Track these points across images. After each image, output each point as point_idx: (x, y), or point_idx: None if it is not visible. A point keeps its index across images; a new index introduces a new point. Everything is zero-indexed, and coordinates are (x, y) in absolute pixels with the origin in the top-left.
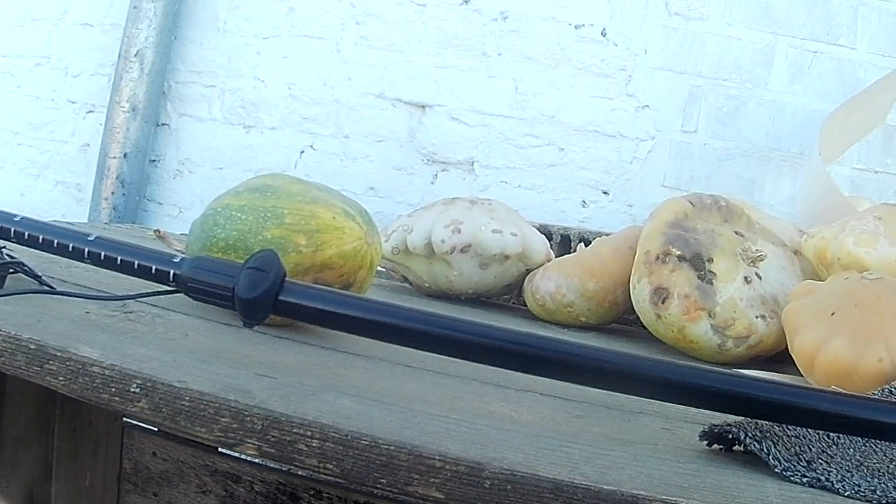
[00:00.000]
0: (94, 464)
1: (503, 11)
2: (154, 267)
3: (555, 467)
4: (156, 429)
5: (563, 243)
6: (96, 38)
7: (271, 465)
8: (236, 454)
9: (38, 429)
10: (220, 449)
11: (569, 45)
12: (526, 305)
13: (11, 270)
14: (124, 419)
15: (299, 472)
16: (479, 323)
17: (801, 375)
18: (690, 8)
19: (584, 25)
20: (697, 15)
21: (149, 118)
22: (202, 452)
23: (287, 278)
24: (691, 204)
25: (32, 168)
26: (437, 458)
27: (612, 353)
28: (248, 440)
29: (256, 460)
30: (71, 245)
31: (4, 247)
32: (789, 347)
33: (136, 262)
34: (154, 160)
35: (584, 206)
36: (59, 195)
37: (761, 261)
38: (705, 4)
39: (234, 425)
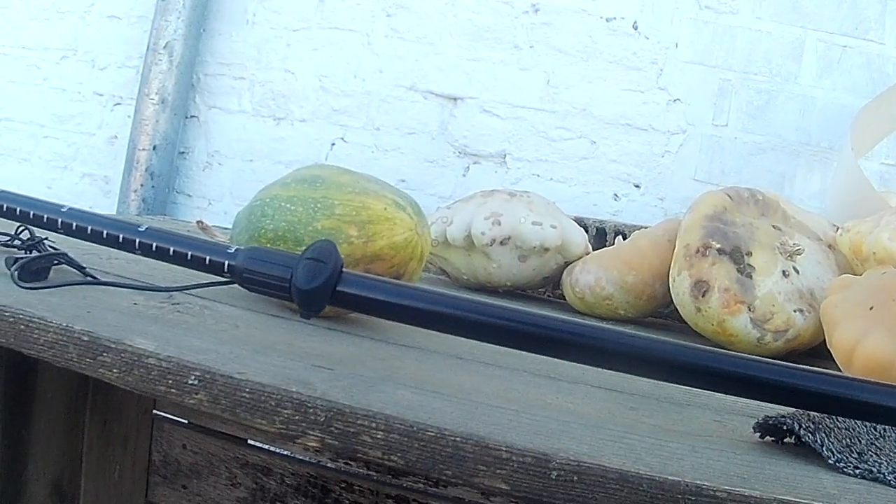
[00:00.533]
0: (124, 456)
1: (534, 4)
2: (208, 258)
3: (619, 458)
4: (186, 421)
5: (599, 236)
6: (123, 31)
7: (302, 458)
8: (266, 446)
9: (69, 422)
10: (249, 441)
11: (600, 38)
12: (563, 298)
13: (55, 262)
14: (154, 411)
15: (329, 465)
16: (539, 314)
17: (839, 370)
18: (721, 2)
19: (615, 18)
20: (728, 9)
21: (178, 110)
22: (232, 445)
23: (344, 269)
24: (729, 197)
25: (59, 161)
26: (504, 448)
27: (667, 343)
28: (311, 432)
29: (286, 452)
30: (121, 236)
31: (46, 238)
32: (827, 341)
33: (190, 253)
34: (183, 152)
35: (615, 200)
36: (87, 187)
37: (799, 255)
38: None
39: (297, 417)
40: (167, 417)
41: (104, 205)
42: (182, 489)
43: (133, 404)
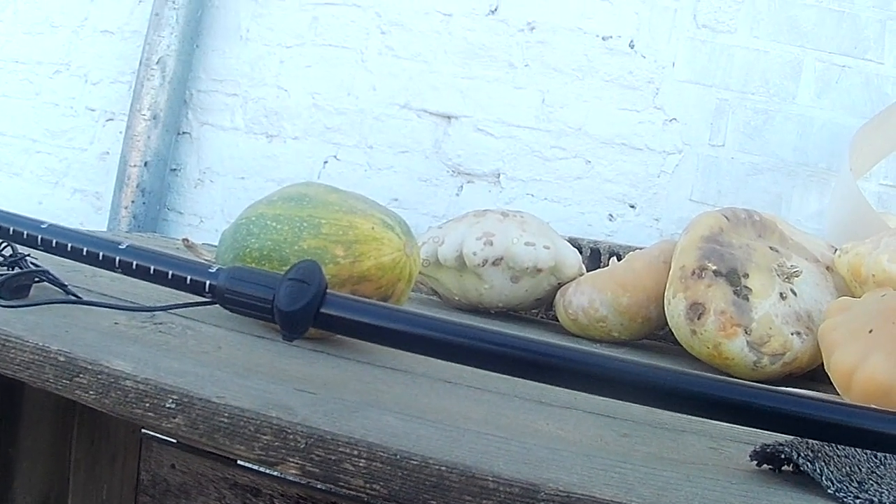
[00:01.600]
0: (112, 476)
1: (530, 22)
2: (189, 277)
3: (610, 488)
4: (174, 440)
5: (594, 257)
6: (116, 46)
7: (291, 479)
8: (256, 467)
9: (55, 440)
10: (238, 462)
11: (596, 56)
12: (556, 320)
13: (36, 279)
14: (143, 431)
15: (319, 486)
16: (528, 338)
17: (838, 393)
18: (718, 21)
19: (611, 37)
20: (725, 28)
21: (170, 126)
22: (221, 465)
23: (329, 290)
24: (726, 218)
25: (50, 176)
26: (491, 478)
27: (662, 369)
28: (291, 459)
29: (276, 473)
30: (101, 254)
31: (28, 255)
32: (825, 365)
33: (170, 273)
34: (175, 169)
35: (610, 220)
36: (78, 203)
37: (797, 276)
38: (733, 17)
39: (276, 443)
40: (155, 437)
41: (95, 221)
42: None
43: (121, 423)
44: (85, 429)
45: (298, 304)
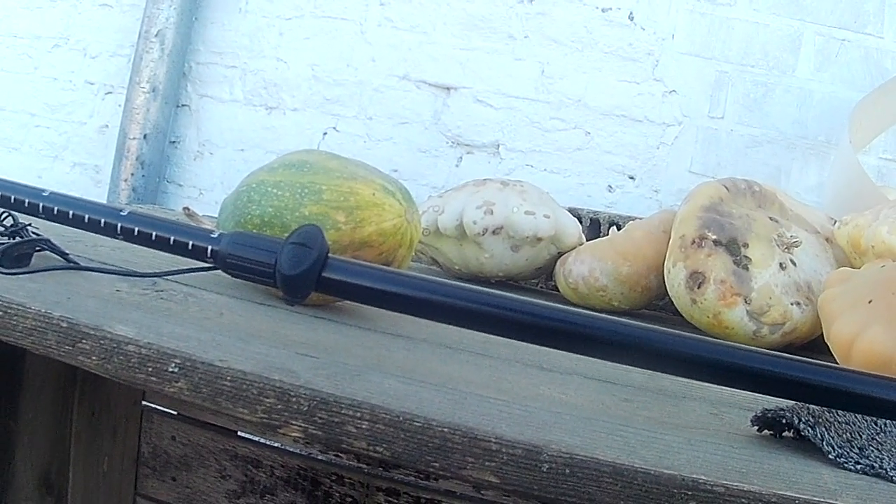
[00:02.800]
0: (112, 448)
1: None
2: (191, 243)
3: (612, 451)
4: (175, 412)
5: (593, 227)
6: (115, 19)
7: (292, 450)
8: (256, 438)
9: (56, 413)
10: (239, 433)
11: (596, 28)
12: (556, 289)
13: (37, 248)
14: (143, 402)
15: (320, 457)
16: (530, 301)
17: (837, 364)
18: None
19: (611, 9)
20: (725, 0)
21: (169, 99)
22: (222, 436)
23: (330, 255)
24: (726, 188)
25: (50, 150)
26: (493, 440)
27: (664, 332)
28: (294, 422)
29: (276, 444)
30: (103, 221)
31: (30, 224)
32: (825, 335)
33: (172, 238)
34: (174, 141)
35: (610, 191)
36: (77, 177)
37: (797, 247)
38: None
39: (279, 406)
40: (156, 409)
41: (95, 194)
42: (171, 481)
43: (122, 395)
44: (86, 401)
45: (300, 267)
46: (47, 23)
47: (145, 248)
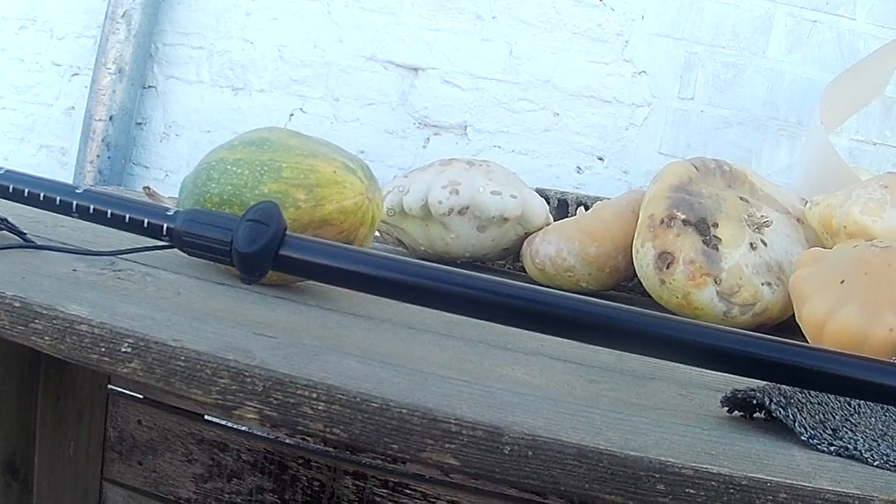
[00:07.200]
0: (78, 432)
1: None
2: (146, 220)
3: (577, 432)
4: (141, 396)
5: (561, 208)
6: (82, 0)
7: (259, 434)
8: (223, 421)
9: (21, 398)
10: (206, 417)
11: (564, 8)
12: (523, 270)
13: None
14: (109, 386)
15: (287, 441)
16: (494, 279)
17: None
18: None
19: None
20: None
21: (135, 80)
22: (188, 420)
23: (288, 232)
24: (695, 168)
25: (16, 132)
26: (453, 421)
27: (634, 312)
28: (249, 403)
29: (243, 428)
30: (58, 198)
31: None
32: (797, 316)
33: (128, 216)
34: (140, 123)
35: (578, 172)
36: (44, 159)
37: (767, 227)
38: None
39: (234, 387)
40: (122, 392)
41: (61, 176)
42: (138, 465)
43: (87, 379)
44: (50, 386)
45: (257, 245)
46: (14, 4)
47: (107, 229)
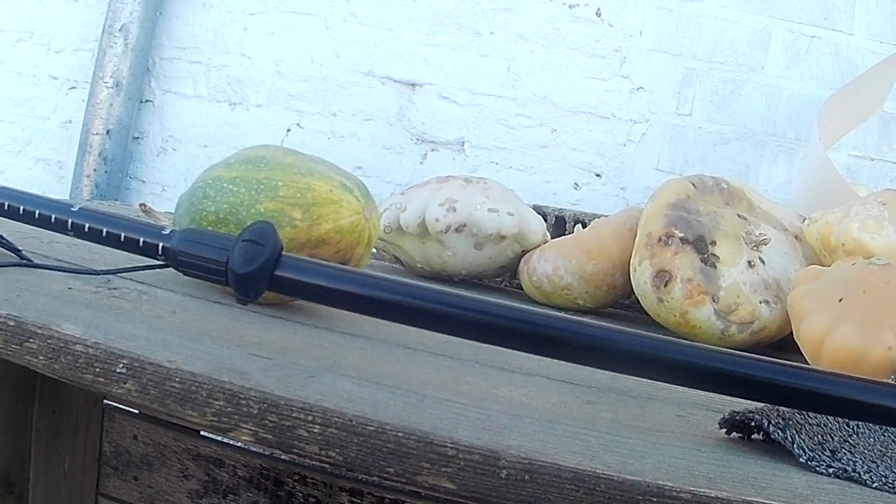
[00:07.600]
0: (74, 448)
1: None
2: (142, 239)
3: (574, 456)
4: (137, 411)
5: (558, 225)
6: (80, 13)
7: (254, 450)
8: (219, 438)
9: (16, 412)
10: (201, 433)
11: (562, 24)
12: (520, 288)
13: None
14: (105, 402)
15: (282, 457)
16: (490, 301)
17: (807, 363)
18: None
19: (578, 5)
20: None
21: (133, 94)
22: (184, 436)
23: (284, 252)
24: (693, 185)
25: (13, 145)
26: (450, 445)
27: (631, 334)
28: (244, 425)
29: (239, 444)
30: (53, 216)
31: None
32: (795, 334)
33: (123, 235)
34: (137, 137)
35: (576, 189)
36: (40, 173)
37: (765, 244)
38: None
39: (229, 409)
40: (118, 407)
41: (58, 190)
42: (133, 481)
43: (83, 394)
44: (46, 401)
45: (252, 265)
46: (11, 16)
47: (103, 247)
